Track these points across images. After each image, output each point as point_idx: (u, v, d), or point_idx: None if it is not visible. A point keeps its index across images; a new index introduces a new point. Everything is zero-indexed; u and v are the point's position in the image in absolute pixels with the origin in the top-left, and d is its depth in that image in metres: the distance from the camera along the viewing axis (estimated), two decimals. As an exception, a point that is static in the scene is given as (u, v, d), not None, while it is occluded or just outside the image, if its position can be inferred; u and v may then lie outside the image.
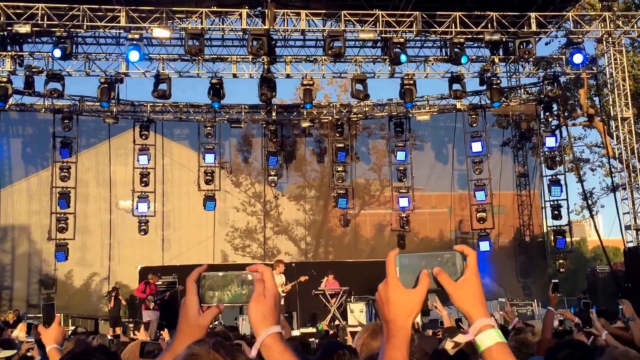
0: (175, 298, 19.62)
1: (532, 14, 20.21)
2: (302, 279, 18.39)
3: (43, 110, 22.63)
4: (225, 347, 1.83)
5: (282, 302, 17.39)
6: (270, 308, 1.77)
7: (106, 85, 20.41)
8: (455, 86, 21.36)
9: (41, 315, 17.57)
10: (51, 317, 4.28)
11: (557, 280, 7.52)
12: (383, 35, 20.41)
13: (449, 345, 1.75)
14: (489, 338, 1.71)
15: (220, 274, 1.81)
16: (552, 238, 22.72)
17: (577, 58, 20.13)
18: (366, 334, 3.90)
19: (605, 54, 21.74)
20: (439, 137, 25.51)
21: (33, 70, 20.56)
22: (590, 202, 28.23)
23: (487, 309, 1.74)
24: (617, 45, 21.29)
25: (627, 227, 20.89)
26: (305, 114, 23.47)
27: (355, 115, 24.67)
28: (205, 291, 1.79)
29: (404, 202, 23.68)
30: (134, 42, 18.87)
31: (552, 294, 7.09)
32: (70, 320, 23.48)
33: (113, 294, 20.94)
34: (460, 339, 1.73)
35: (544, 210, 23.94)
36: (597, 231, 24.30)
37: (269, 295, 1.76)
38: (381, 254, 24.21)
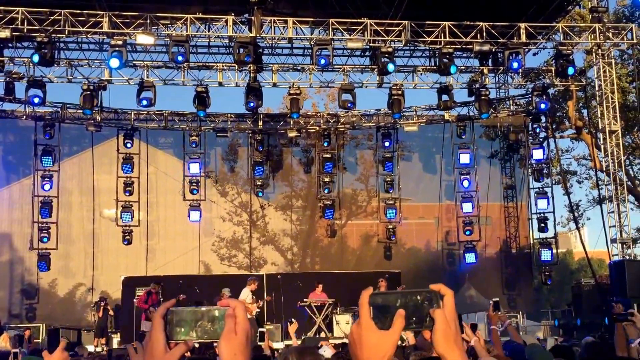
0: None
1: (522, 25, 18.79)
2: (267, 298, 17.91)
3: (24, 117, 20.89)
4: None
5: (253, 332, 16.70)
6: (242, 345, 1.58)
7: (89, 93, 18.75)
8: (444, 97, 20.01)
9: (21, 325, 15.94)
10: (55, 342, 3.10)
11: (497, 299, 7.10)
12: (371, 45, 18.92)
13: None
14: None
15: (189, 309, 1.56)
16: (537, 250, 21.45)
17: (570, 70, 18.90)
18: None
19: (595, 66, 20.41)
20: (427, 147, 24.04)
21: (13, 76, 18.95)
22: (576, 214, 26.89)
23: (464, 352, 1.54)
24: (606, 57, 19.94)
25: (613, 241, 19.64)
26: (292, 123, 21.97)
27: (342, 125, 23.10)
28: (173, 327, 1.55)
29: (391, 212, 22.21)
30: (116, 49, 17.23)
31: (493, 312, 6.74)
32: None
33: (102, 304, 19.51)
34: None
35: (530, 221, 22.59)
36: (582, 244, 22.93)
37: (240, 332, 1.57)
38: (368, 265, 22.88)
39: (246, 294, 16.78)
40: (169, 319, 1.55)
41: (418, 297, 1.51)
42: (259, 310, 17.03)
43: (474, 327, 6.19)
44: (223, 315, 1.54)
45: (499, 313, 6.80)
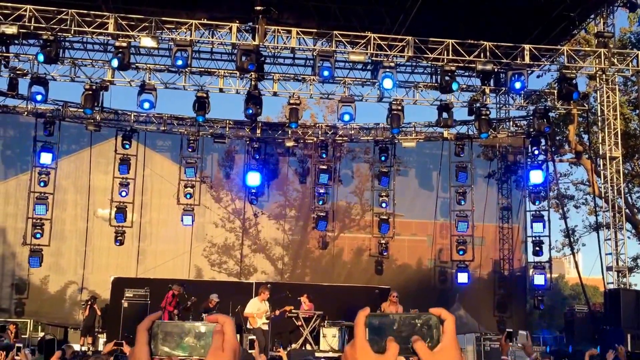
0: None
1: (526, 46, 19.70)
2: (288, 308, 18.04)
3: (25, 113, 22.08)
4: None
5: (268, 328, 17.21)
6: None
7: (90, 92, 19.82)
8: (444, 115, 20.84)
9: (9, 319, 16.69)
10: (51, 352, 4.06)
11: (511, 330, 7.17)
12: (373, 59, 19.90)
13: None
14: None
15: (175, 323, 1.57)
16: (531, 274, 22.19)
17: (574, 95, 19.73)
18: None
19: (598, 91, 21.21)
20: (424, 164, 25.01)
21: (18, 72, 20.04)
22: (572, 239, 27.62)
23: None
24: (610, 83, 20.76)
25: (609, 269, 20.30)
26: (290, 133, 22.97)
27: (340, 138, 24.13)
28: (157, 341, 1.55)
29: (384, 227, 23.13)
30: (119, 52, 18.29)
31: (505, 342, 6.87)
32: (39, 326, 22.84)
33: (89, 303, 20.47)
34: None
35: (525, 244, 23.40)
36: (577, 271, 23.66)
37: (227, 350, 1.55)
38: (358, 279, 23.74)
39: (254, 304, 17.24)
40: (154, 332, 1.54)
41: (417, 321, 1.49)
42: (267, 320, 17.08)
43: (509, 336, 6.70)
44: (210, 331, 1.53)
45: (528, 343, 6.94)
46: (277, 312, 17.44)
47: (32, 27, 18.47)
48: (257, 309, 17.19)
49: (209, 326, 1.53)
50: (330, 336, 18.38)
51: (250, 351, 12.77)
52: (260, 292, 17.36)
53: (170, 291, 18.16)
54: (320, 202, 23.16)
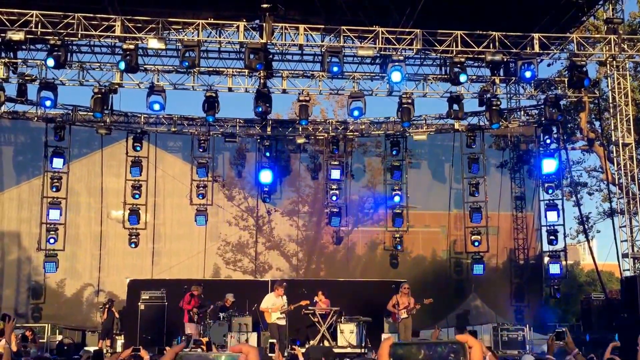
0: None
1: (535, 35, 19.53)
2: (304, 303, 17.97)
3: (35, 118, 22.07)
4: None
5: (285, 323, 17.14)
6: None
7: (100, 96, 19.76)
8: (454, 106, 20.69)
9: (26, 324, 16.69)
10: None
11: (562, 329, 6.85)
12: (382, 53, 19.75)
13: None
14: None
15: (199, 354, 1.71)
16: (546, 262, 22.12)
17: (585, 82, 19.62)
18: None
19: (608, 78, 21.04)
20: (436, 155, 24.97)
21: (26, 78, 20.01)
22: (586, 226, 27.48)
23: None
24: (621, 69, 20.57)
25: (625, 255, 20.14)
26: (300, 129, 22.90)
27: (351, 133, 24.07)
28: None
29: (398, 221, 23.10)
30: (127, 54, 18.21)
31: (552, 341, 6.51)
32: (57, 330, 22.91)
33: (107, 306, 20.47)
34: None
35: (539, 232, 23.29)
36: (593, 258, 23.53)
37: None
38: (373, 274, 23.74)
39: (270, 299, 17.29)
40: None
41: (443, 349, 1.46)
42: (282, 315, 17.15)
43: (558, 336, 6.57)
44: None
45: (569, 339, 6.75)
46: (292, 307, 17.43)
47: (39, 33, 18.36)
48: (272, 304, 17.25)
49: (232, 356, 1.52)
50: (347, 332, 18.33)
51: (270, 355, 12.71)
52: (275, 288, 17.46)
53: (188, 292, 18.19)
54: (333, 198, 23.11)
